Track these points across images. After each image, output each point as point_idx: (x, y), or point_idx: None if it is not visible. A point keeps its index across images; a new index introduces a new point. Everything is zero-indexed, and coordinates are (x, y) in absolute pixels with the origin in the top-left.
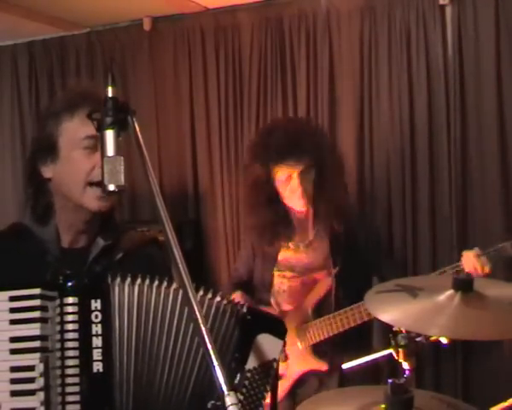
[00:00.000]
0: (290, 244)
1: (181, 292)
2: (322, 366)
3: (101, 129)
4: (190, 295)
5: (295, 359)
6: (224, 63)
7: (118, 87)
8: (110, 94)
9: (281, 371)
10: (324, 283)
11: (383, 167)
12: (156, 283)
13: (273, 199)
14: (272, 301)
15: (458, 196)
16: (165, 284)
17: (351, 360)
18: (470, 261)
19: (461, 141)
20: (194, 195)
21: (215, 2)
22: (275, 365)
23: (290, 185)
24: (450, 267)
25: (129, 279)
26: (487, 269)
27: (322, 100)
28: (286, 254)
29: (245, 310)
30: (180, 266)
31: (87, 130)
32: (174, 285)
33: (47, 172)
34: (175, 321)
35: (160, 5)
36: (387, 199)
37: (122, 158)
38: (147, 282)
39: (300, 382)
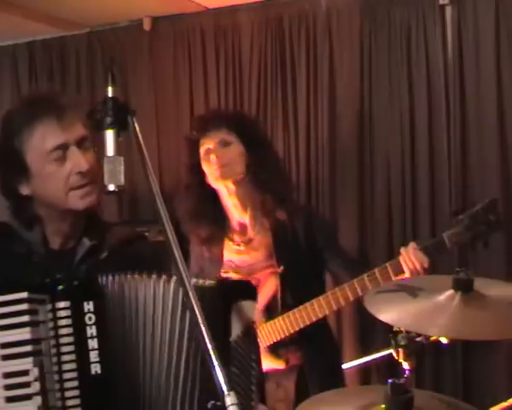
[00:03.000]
0: (232, 244)
1: (163, 284)
2: (280, 364)
3: (101, 129)
4: (191, 295)
5: None
6: (223, 63)
7: (118, 87)
8: (110, 94)
9: None
10: (272, 283)
11: (383, 167)
12: (137, 276)
13: (205, 189)
14: None
15: (458, 196)
16: (145, 276)
17: (308, 358)
18: (408, 257)
19: (461, 141)
20: None
21: (215, 2)
22: (254, 326)
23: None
24: (389, 263)
25: (110, 277)
26: (426, 264)
27: (322, 100)
28: (229, 255)
29: (213, 283)
30: (180, 266)
31: (50, 141)
32: (154, 276)
33: (25, 190)
34: (158, 314)
35: (159, 5)
36: (387, 198)
37: (122, 158)
38: (129, 276)
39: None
